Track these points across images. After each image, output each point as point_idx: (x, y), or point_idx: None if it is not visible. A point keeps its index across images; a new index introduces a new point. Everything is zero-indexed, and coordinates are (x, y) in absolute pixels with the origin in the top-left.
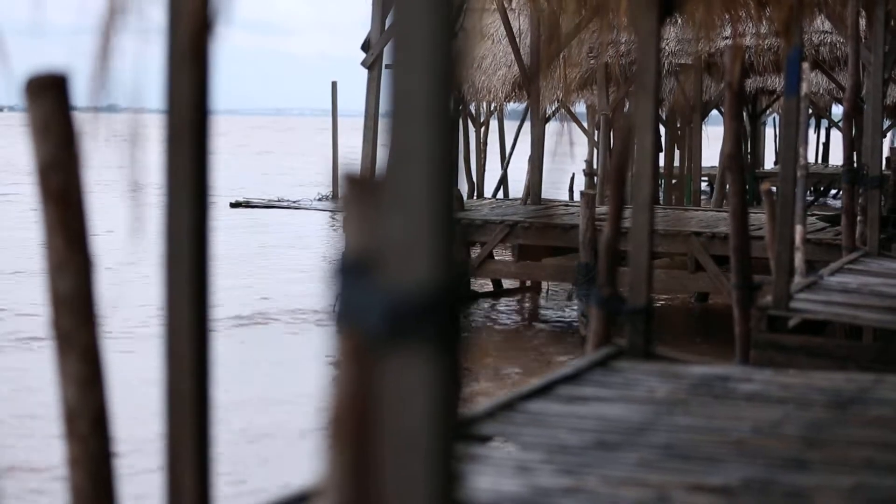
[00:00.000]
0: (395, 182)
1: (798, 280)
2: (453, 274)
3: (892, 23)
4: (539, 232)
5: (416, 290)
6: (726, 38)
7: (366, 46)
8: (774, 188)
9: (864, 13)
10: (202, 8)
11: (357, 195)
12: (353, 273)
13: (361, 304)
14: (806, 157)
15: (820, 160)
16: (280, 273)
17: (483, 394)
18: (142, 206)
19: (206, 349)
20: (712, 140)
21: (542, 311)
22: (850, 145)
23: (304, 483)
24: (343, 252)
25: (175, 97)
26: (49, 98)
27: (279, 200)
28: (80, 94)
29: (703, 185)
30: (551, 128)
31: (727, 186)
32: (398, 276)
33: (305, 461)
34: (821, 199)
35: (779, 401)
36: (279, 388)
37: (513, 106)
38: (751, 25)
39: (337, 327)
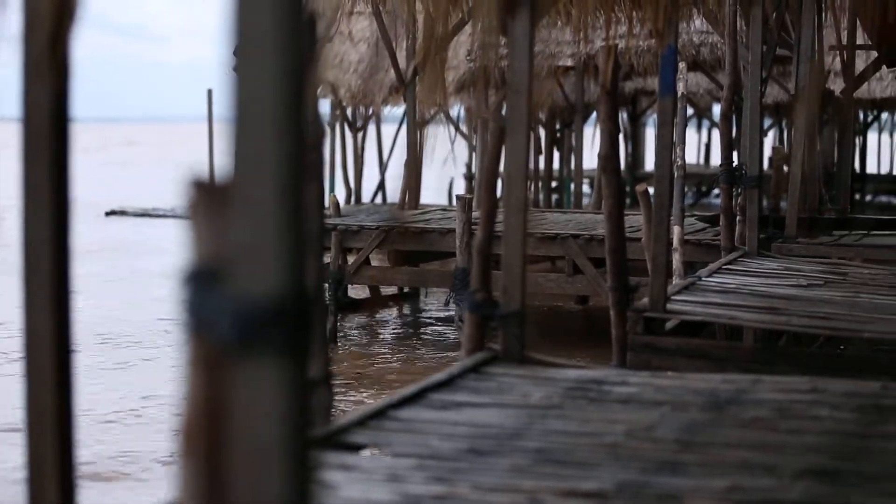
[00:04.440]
0: (242, 188)
1: (676, 281)
2: (303, 280)
3: (770, 22)
4: (415, 237)
5: (264, 297)
6: (604, 39)
7: (237, 52)
8: (651, 189)
9: (741, 12)
10: (59, 12)
11: (205, 202)
12: (201, 281)
13: (211, 313)
14: (683, 158)
15: (702, 160)
16: (143, 281)
17: (357, 402)
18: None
19: (68, 362)
20: (593, 141)
21: (419, 317)
22: (728, 145)
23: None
24: (192, 260)
25: (32, 105)
26: None
27: (154, 209)
28: None
29: (586, 188)
30: (429, 132)
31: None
32: (247, 284)
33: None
34: (703, 199)
35: (654, 403)
36: (134, 399)
37: (390, 110)
38: (626, 27)
39: (188, 336)
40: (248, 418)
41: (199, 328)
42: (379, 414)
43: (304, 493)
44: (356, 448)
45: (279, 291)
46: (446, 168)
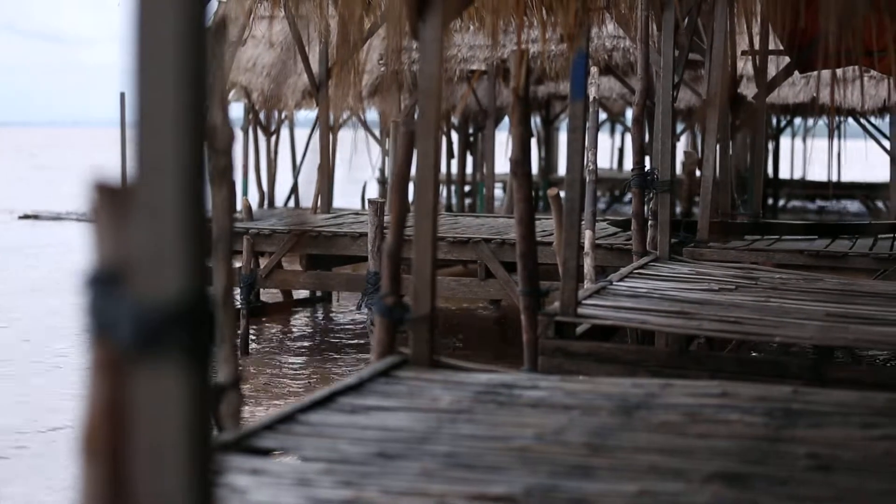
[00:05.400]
0: (143, 192)
1: (587, 286)
2: (205, 284)
3: (681, 27)
4: (328, 241)
5: (165, 300)
6: (516, 43)
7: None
8: (563, 193)
9: (653, 17)
10: None
11: (108, 205)
12: (103, 284)
13: (112, 316)
14: (595, 162)
15: (615, 165)
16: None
17: (267, 406)
18: None
19: None
20: (507, 145)
21: (331, 321)
22: (640, 149)
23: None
24: (94, 263)
25: None
26: None
27: (68, 213)
28: None
29: (499, 192)
30: (343, 136)
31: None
32: (148, 287)
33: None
34: (616, 204)
35: (564, 407)
36: (37, 406)
37: (304, 114)
38: (539, 31)
39: (90, 339)
40: (149, 421)
41: (101, 331)
42: (288, 418)
43: (206, 495)
44: (265, 452)
45: (180, 295)
46: (359, 172)
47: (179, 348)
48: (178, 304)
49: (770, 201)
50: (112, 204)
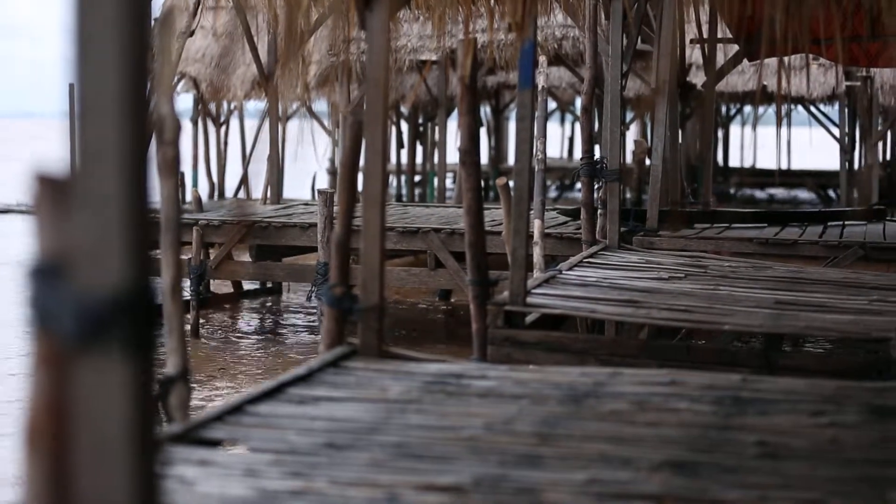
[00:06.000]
0: (85, 182)
1: (536, 275)
2: (147, 275)
3: (630, 15)
4: (277, 231)
5: (107, 292)
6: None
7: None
8: (512, 182)
9: (601, 6)
10: None
11: (50, 196)
12: (45, 276)
13: (54, 308)
14: (544, 151)
15: (565, 154)
16: None
17: (217, 397)
18: None
19: None
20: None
21: (281, 312)
22: (588, 139)
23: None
24: (36, 255)
25: None
26: None
27: (17, 205)
28: None
29: (450, 182)
30: (293, 126)
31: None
32: (90, 279)
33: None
34: (567, 193)
35: (513, 397)
36: None
37: (253, 104)
38: (487, 20)
39: (32, 332)
40: (92, 414)
41: (44, 324)
42: (237, 409)
43: (150, 488)
44: (214, 443)
45: (123, 286)
46: (309, 162)
47: (122, 340)
48: (120, 296)
49: (721, 189)
50: (54, 195)
